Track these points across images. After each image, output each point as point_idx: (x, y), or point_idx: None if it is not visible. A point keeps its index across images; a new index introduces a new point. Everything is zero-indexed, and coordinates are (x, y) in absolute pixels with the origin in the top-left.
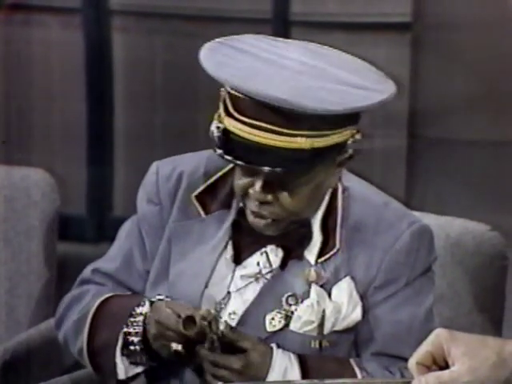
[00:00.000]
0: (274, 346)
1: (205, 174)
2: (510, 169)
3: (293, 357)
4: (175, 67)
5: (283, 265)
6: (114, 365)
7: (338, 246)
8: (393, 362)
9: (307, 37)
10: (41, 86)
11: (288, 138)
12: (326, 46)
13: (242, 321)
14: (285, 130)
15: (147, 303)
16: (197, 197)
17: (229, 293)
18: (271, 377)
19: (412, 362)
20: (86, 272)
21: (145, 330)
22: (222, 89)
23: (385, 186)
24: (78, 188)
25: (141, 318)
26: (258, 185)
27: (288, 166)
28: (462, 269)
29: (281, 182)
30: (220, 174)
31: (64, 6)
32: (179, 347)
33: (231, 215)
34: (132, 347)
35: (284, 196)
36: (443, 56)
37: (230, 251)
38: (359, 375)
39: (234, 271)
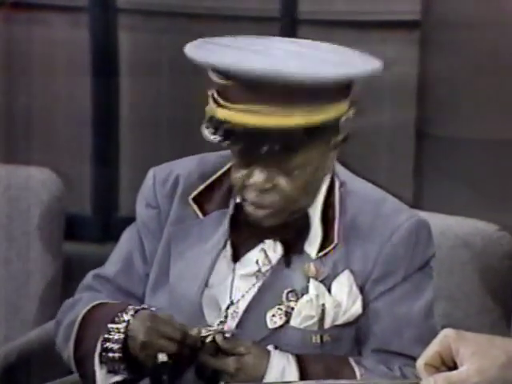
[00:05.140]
0: (271, 347)
1: (201, 176)
2: None
3: (291, 357)
4: (182, 66)
5: (282, 260)
6: (94, 373)
7: (336, 240)
8: (392, 358)
9: (315, 35)
10: (46, 85)
11: (281, 117)
12: (315, 41)
13: (243, 319)
14: (277, 109)
15: (131, 311)
16: (194, 199)
17: (232, 303)
18: (269, 377)
19: (420, 363)
20: (88, 278)
21: (125, 338)
22: (209, 90)
23: (392, 185)
24: (83, 188)
25: (123, 325)
26: (257, 172)
27: (284, 144)
28: (470, 269)
29: (278, 167)
30: (216, 175)
31: (71, 4)
32: (165, 358)
33: (228, 214)
34: (111, 354)
35: (283, 181)
36: (452, 54)
37: (229, 250)
38: (358, 373)
39: (234, 270)
